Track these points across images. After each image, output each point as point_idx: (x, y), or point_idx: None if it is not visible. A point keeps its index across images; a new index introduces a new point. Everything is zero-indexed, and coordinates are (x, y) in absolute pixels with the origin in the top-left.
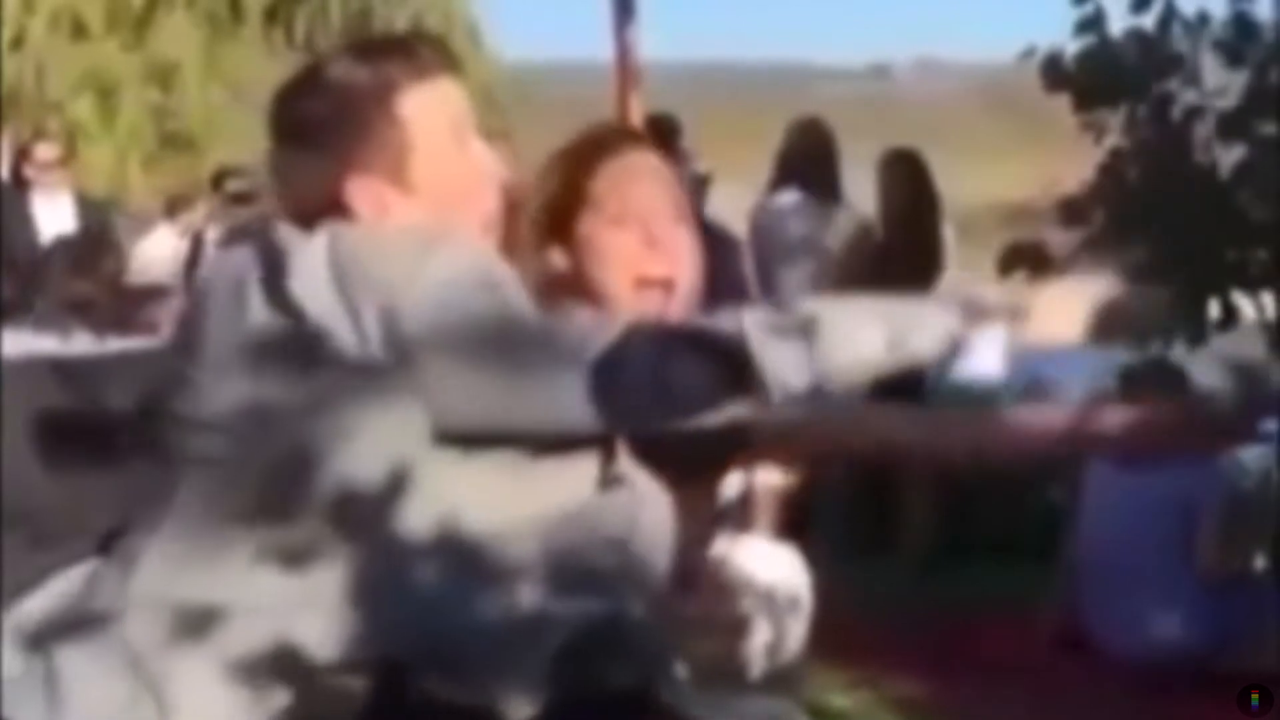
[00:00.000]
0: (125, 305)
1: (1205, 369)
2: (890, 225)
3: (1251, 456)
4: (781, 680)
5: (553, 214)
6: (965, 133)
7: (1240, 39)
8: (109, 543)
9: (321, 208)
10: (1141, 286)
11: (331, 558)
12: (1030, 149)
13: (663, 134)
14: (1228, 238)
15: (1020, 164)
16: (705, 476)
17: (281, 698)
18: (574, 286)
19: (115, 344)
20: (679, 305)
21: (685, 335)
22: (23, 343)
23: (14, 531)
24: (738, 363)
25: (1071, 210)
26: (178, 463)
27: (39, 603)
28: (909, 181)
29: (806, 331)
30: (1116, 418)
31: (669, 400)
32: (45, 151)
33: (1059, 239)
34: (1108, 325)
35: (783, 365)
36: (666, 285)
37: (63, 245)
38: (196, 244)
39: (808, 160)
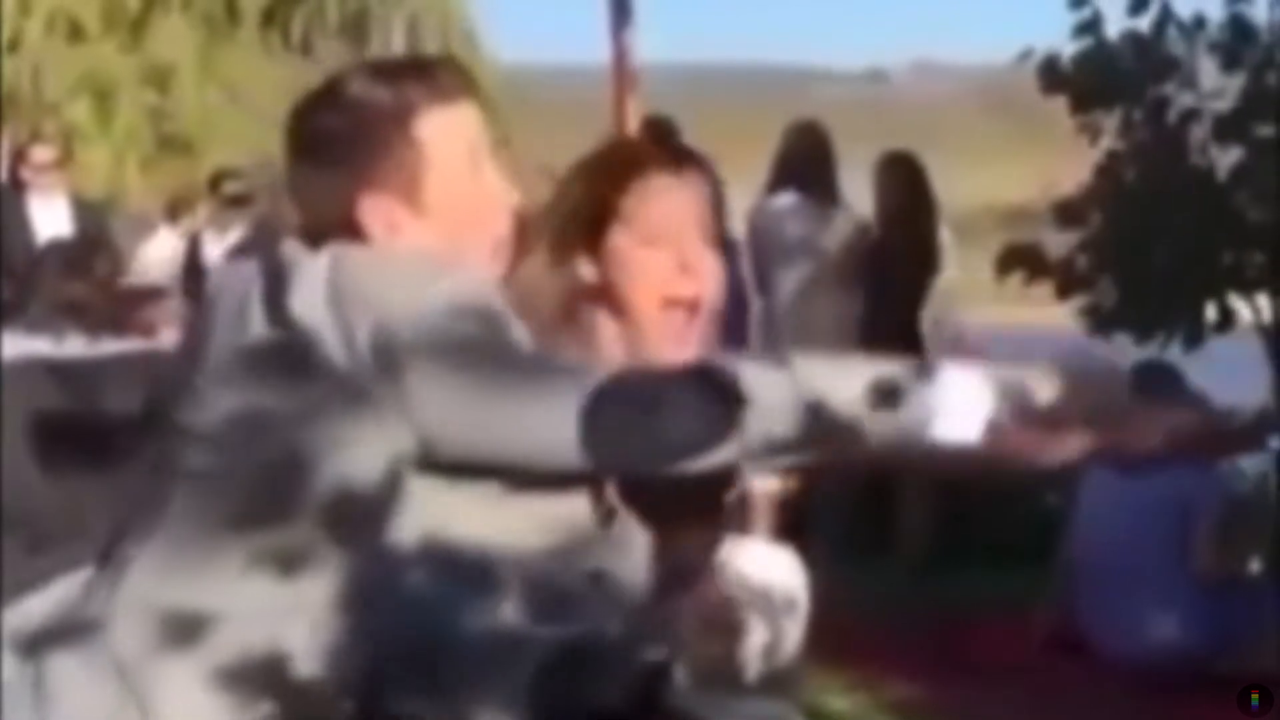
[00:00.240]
0: (121, 307)
1: (1202, 370)
2: (887, 227)
3: (1248, 459)
4: (779, 682)
5: (582, 224)
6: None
7: (1237, 42)
8: (108, 547)
9: (333, 224)
10: (1097, 373)
11: (321, 566)
12: (1027, 151)
13: (659, 137)
14: (1224, 240)
15: (1017, 166)
16: (695, 520)
17: (265, 707)
18: (600, 299)
19: (109, 346)
20: (702, 325)
21: (676, 381)
22: (19, 345)
23: (12, 534)
24: (727, 411)
25: (1068, 212)
26: (174, 470)
27: (38, 606)
28: (906, 184)
29: (798, 386)
30: (1131, 426)
31: (657, 445)
32: (41, 153)
33: (1056, 240)
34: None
35: (771, 418)
36: (693, 306)
37: (56, 247)
38: (194, 246)
39: (805, 162)
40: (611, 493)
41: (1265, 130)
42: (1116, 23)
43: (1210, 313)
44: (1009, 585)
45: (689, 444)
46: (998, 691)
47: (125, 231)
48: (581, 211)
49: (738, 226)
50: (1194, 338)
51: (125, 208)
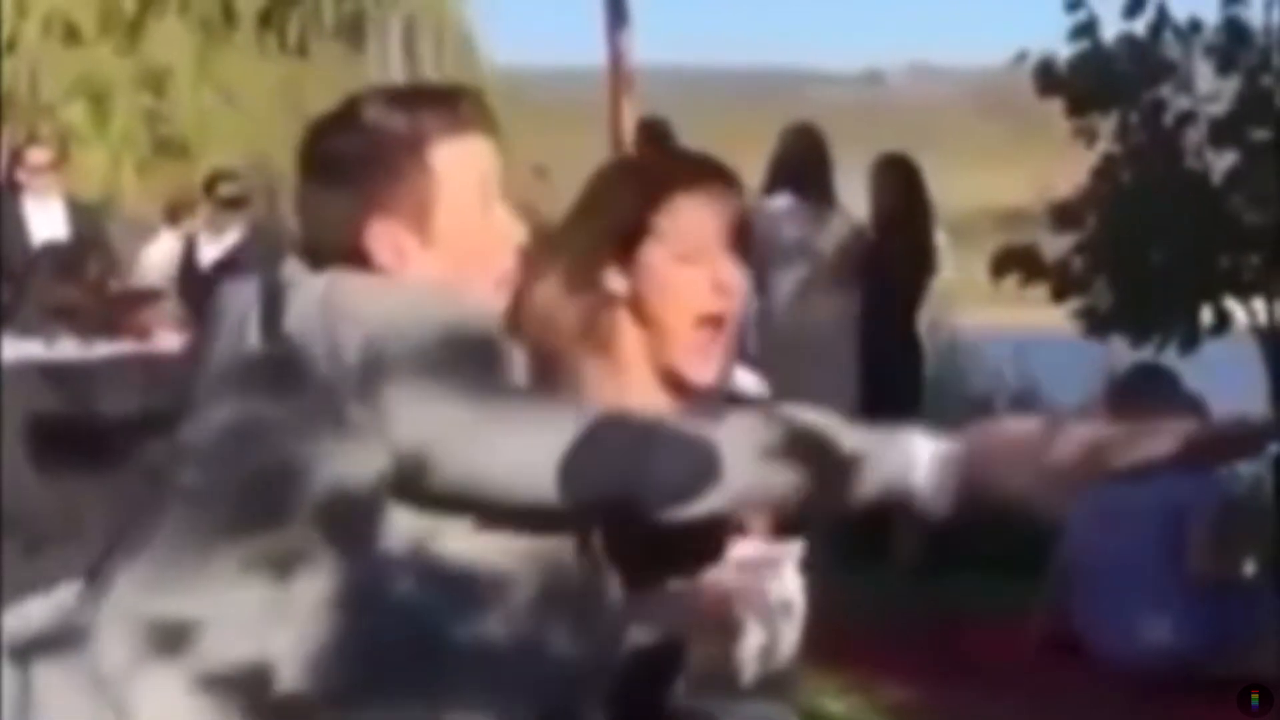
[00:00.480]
0: (116, 309)
1: (1198, 373)
2: (883, 229)
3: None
4: (775, 685)
5: (614, 239)
6: (958, 137)
7: (1232, 45)
8: (103, 555)
9: (339, 247)
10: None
11: (315, 569)
12: (1023, 153)
13: (655, 139)
14: (1220, 243)
15: (1013, 168)
16: (679, 570)
17: (247, 718)
18: (628, 311)
19: (102, 349)
20: (728, 340)
21: (661, 430)
22: (14, 348)
23: (8, 536)
24: (712, 462)
25: (1064, 214)
26: (168, 483)
27: (37, 611)
28: (902, 186)
29: (784, 440)
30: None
31: (639, 491)
32: (37, 155)
33: (1052, 243)
34: None
35: (755, 475)
36: (721, 323)
37: (49, 251)
38: (189, 248)
39: (801, 165)
40: (597, 545)
41: (1261, 133)
42: (1112, 26)
43: (1206, 315)
44: (1004, 588)
45: (672, 493)
46: (993, 694)
47: (122, 234)
48: (613, 225)
49: None
50: (1190, 340)
51: (121, 210)
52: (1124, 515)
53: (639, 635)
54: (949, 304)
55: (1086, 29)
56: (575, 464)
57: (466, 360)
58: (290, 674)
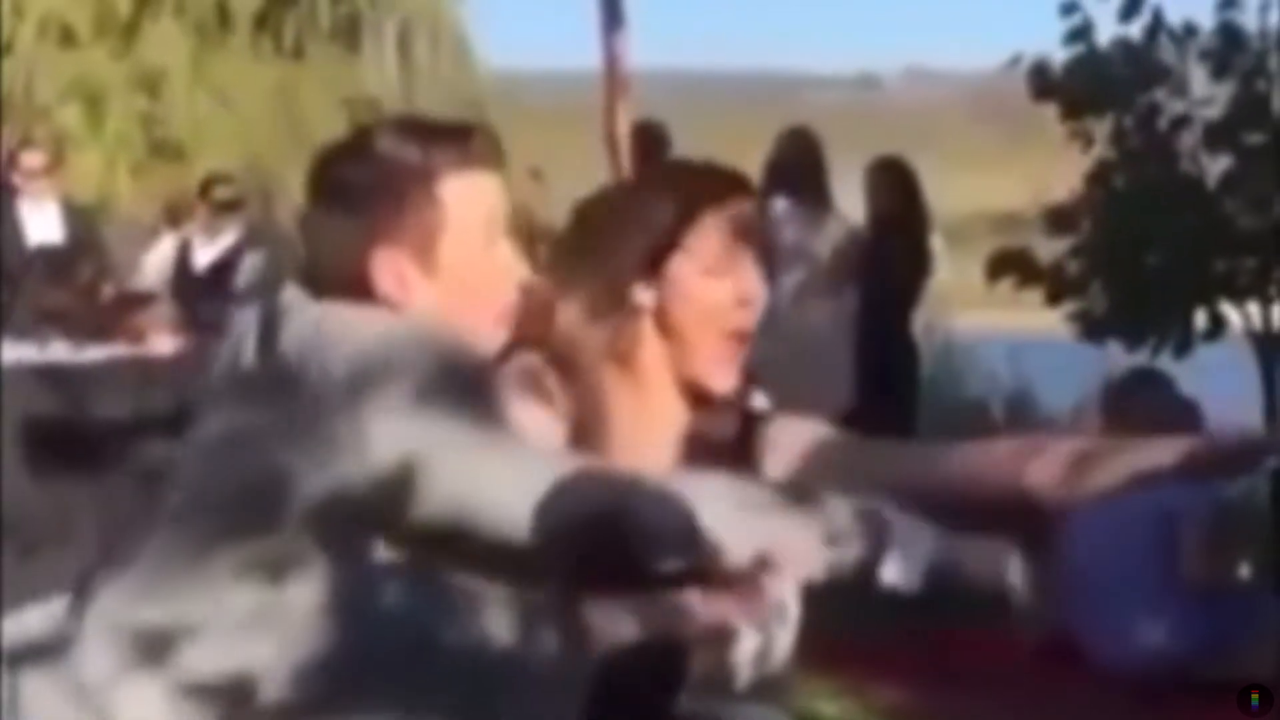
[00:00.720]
0: (109, 313)
1: (1193, 377)
2: (879, 232)
3: None
4: (769, 688)
5: (642, 254)
6: (954, 140)
7: (1227, 49)
8: (98, 558)
9: (342, 273)
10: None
11: (307, 573)
12: (1018, 157)
13: (651, 142)
14: (1215, 247)
15: (1008, 172)
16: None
17: None
18: (654, 322)
19: (94, 352)
20: (746, 351)
21: (641, 484)
22: (10, 351)
23: (6, 540)
24: (686, 526)
25: (1059, 218)
26: (162, 488)
27: (35, 619)
28: (898, 189)
29: (761, 509)
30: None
31: (616, 540)
32: (32, 158)
33: (1047, 247)
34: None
35: (734, 540)
36: (743, 336)
37: (41, 255)
38: (184, 251)
39: (797, 168)
40: (585, 613)
41: (1256, 137)
42: (1108, 29)
43: (1201, 319)
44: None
45: (649, 545)
46: (987, 698)
47: (117, 237)
48: (643, 244)
49: None
50: (1185, 344)
51: (117, 213)
52: (1119, 519)
53: (640, 641)
54: (944, 306)
55: (1081, 33)
56: (554, 505)
57: (453, 390)
58: (275, 682)
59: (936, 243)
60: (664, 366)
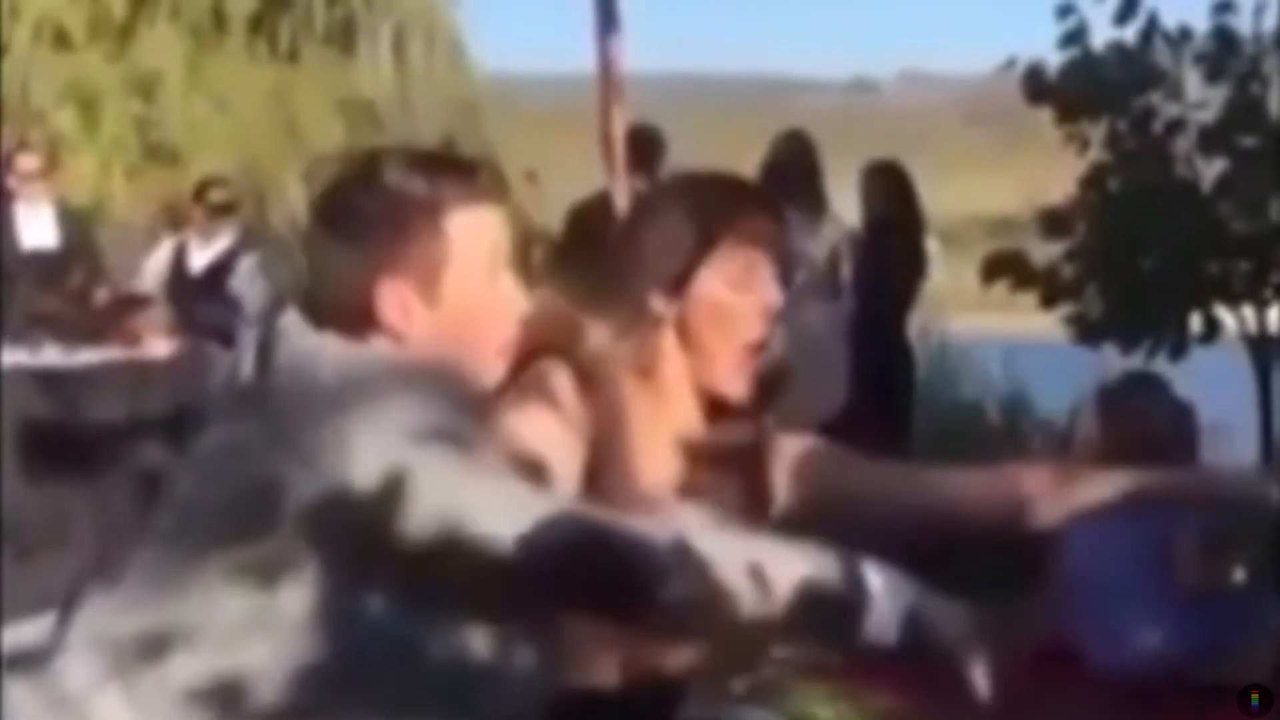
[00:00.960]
0: (104, 316)
1: (1188, 380)
2: (874, 236)
3: (1236, 465)
4: (765, 691)
5: (671, 274)
6: (949, 144)
7: (1222, 53)
8: (94, 563)
9: (344, 301)
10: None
11: (300, 577)
12: (1013, 160)
13: (646, 145)
14: (1210, 250)
15: (1003, 175)
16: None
17: None
18: (675, 332)
19: (87, 356)
20: (757, 361)
21: (619, 534)
22: (5, 355)
23: (4, 545)
24: (677, 540)
25: (1054, 221)
26: (158, 495)
27: (28, 630)
28: (893, 192)
29: (741, 552)
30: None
31: (592, 589)
32: (27, 162)
33: (1042, 250)
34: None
35: (724, 555)
36: (760, 347)
37: (35, 259)
38: (179, 254)
39: (792, 172)
40: (566, 633)
41: (1250, 141)
42: (1102, 33)
43: (1196, 322)
44: (995, 592)
45: (635, 568)
46: (982, 701)
47: (112, 240)
48: (671, 265)
49: None
50: (1179, 347)
51: (112, 216)
52: (1115, 522)
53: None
54: (939, 309)
55: (1076, 36)
56: (546, 524)
57: (446, 414)
58: (267, 686)
59: (932, 245)
60: (683, 376)
